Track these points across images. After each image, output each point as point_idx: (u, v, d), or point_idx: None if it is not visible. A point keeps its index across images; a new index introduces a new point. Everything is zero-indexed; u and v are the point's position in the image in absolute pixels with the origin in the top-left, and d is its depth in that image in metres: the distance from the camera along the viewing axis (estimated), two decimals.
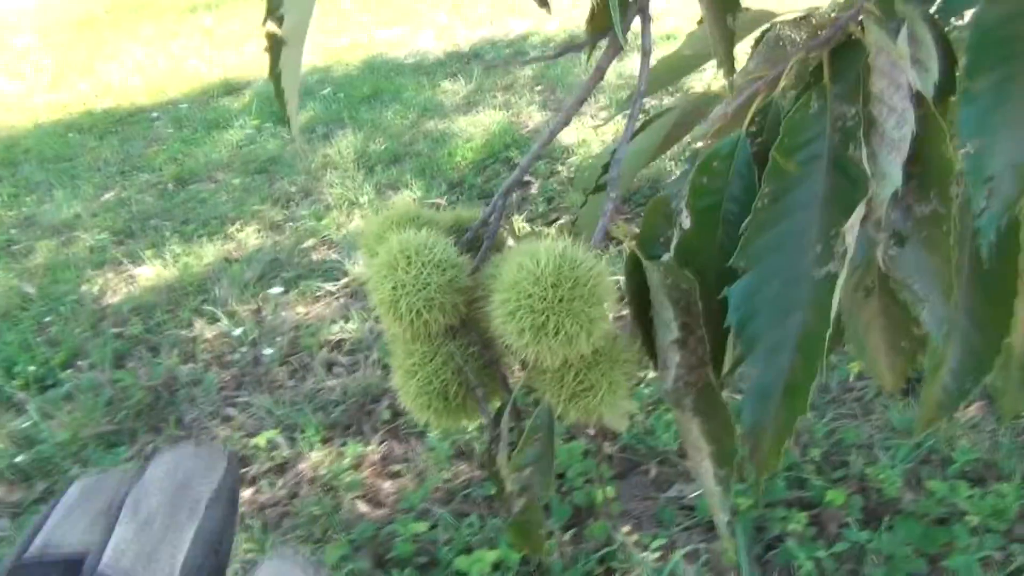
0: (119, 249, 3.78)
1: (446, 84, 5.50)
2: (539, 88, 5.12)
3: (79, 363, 2.99)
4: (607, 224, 0.51)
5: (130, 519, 0.33)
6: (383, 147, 4.52)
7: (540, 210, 3.66)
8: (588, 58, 0.56)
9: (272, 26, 0.39)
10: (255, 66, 6.54)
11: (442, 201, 3.79)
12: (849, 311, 0.56)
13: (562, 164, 4.06)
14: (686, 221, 0.52)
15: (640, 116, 0.54)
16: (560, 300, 0.47)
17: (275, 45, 0.40)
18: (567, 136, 4.38)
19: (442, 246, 0.53)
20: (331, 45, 7.02)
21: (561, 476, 2.25)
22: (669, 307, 0.49)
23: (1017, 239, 0.60)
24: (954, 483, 2.08)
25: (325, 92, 5.58)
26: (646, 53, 0.52)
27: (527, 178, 4.01)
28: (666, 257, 0.53)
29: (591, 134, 4.09)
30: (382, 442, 2.50)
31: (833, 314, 0.47)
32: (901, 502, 2.06)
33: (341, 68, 6.27)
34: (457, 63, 5.92)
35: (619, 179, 0.52)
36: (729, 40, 0.52)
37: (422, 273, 0.51)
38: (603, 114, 4.47)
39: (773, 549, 1.98)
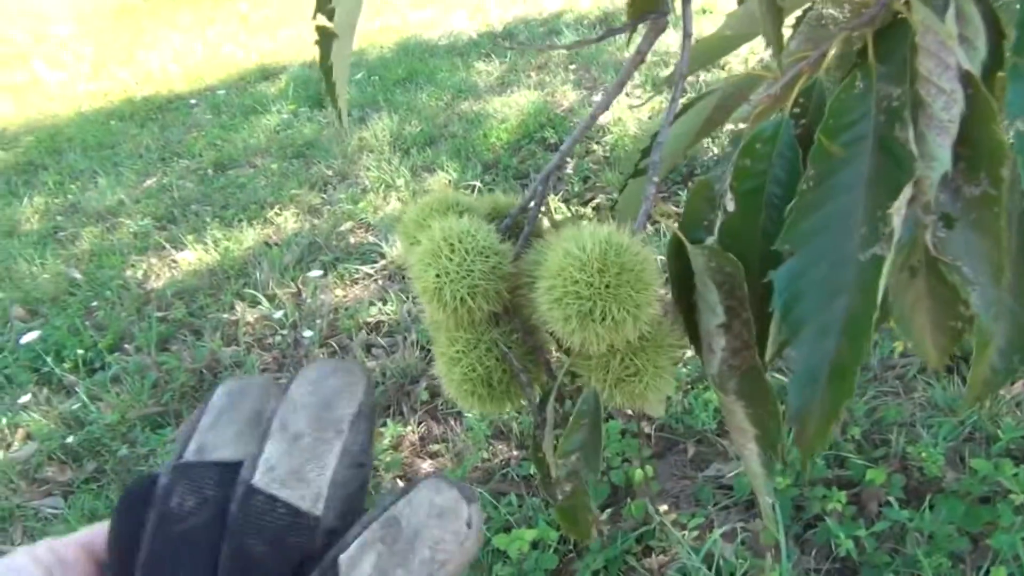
0: (162, 234, 3.84)
1: (480, 65, 5.49)
2: (573, 67, 5.09)
3: (125, 346, 3.06)
4: (649, 209, 0.51)
5: (279, 437, 0.35)
6: (418, 129, 4.54)
7: (576, 190, 3.65)
8: (629, 41, 0.56)
9: (323, 19, 0.40)
10: (290, 51, 6.58)
11: (477, 183, 3.79)
12: (895, 291, 0.56)
13: (597, 143, 4.04)
14: (730, 204, 0.52)
15: (681, 99, 0.54)
16: (606, 286, 0.47)
17: (325, 38, 0.41)
18: (603, 115, 4.35)
19: (484, 233, 0.53)
20: (365, 28, 7.03)
21: None
22: (714, 290, 0.49)
23: None
24: (998, 461, 2.05)
25: (359, 76, 5.60)
26: (687, 35, 0.52)
27: None
28: (709, 240, 0.53)
29: (627, 113, 4.06)
30: (420, 423, 2.52)
31: (879, 297, 0.47)
32: (943, 481, 2.04)
33: (375, 51, 6.28)
34: (491, 43, 5.91)
35: (660, 163, 0.52)
36: (778, 17, 0.52)
37: (466, 260, 0.52)
38: (638, 92, 4.43)
39: (812, 528, 1.98)
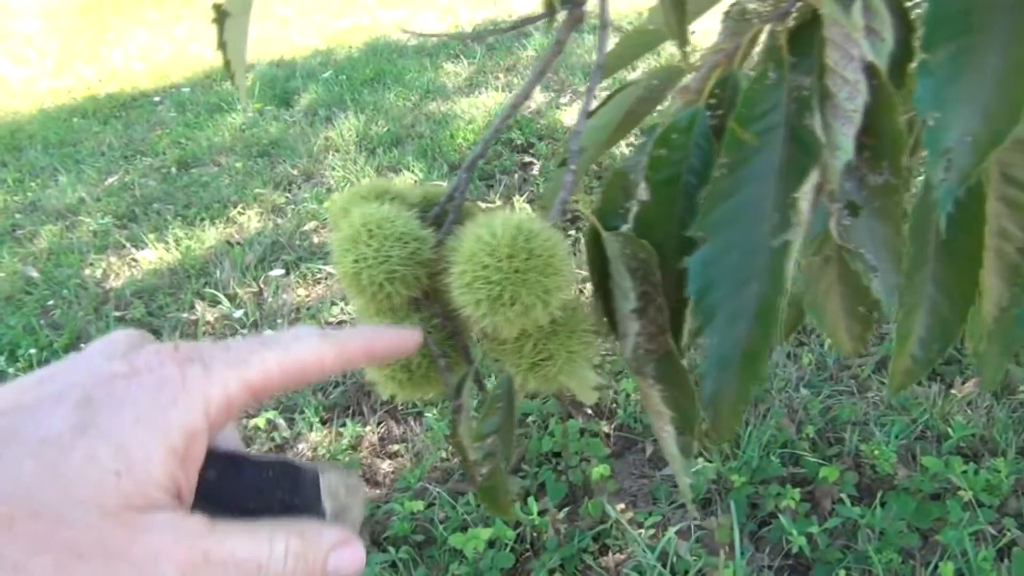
0: (122, 233, 3.80)
1: (448, 66, 5.49)
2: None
3: (82, 346, 3.01)
4: (567, 197, 0.52)
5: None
6: (385, 129, 4.53)
7: (541, 191, 3.67)
8: (548, 31, 0.57)
9: None
10: (257, 49, 6.53)
11: (443, 183, 3.79)
12: (808, 279, 0.57)
13: (563, 144, 4.06)
14: (644, 193, 0.53)
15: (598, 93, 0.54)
16: (515, 271, 0.48)
17: (220, 17, 0.41)
18: (568, 116, 4.37)
19: (404, 219, 0.53)
20: (333, 27, 7.02)
21: (558, 455, 2.27)
22: (627, 276, 0.50)
23: (982, 211, 0.61)
24: (948, 459, 2.09)
25: (327, 75, 5.57)
26: (604, 26, 0.53)
27: (528, 159, 4.01)
28: (625, 228, 0.54)
29: None
30: (380, 423, 2.52)
31: (787, 283, 0.48)
32: (895, 478, 2.07)
33: (343, 50, 6.26)
34: (459, 44, 5.91)
35: (578, 153, 0.53)
36: (681, 12, 0.53)
37: (383, 246, 0.52)
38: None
39: (767, 525, 2.00)
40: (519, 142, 4.14)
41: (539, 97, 4.73)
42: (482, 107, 4.61)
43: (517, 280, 0.48)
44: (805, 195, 0.47)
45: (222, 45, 0.42)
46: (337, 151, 4.37)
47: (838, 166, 0.47)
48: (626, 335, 0.52)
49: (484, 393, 0.60)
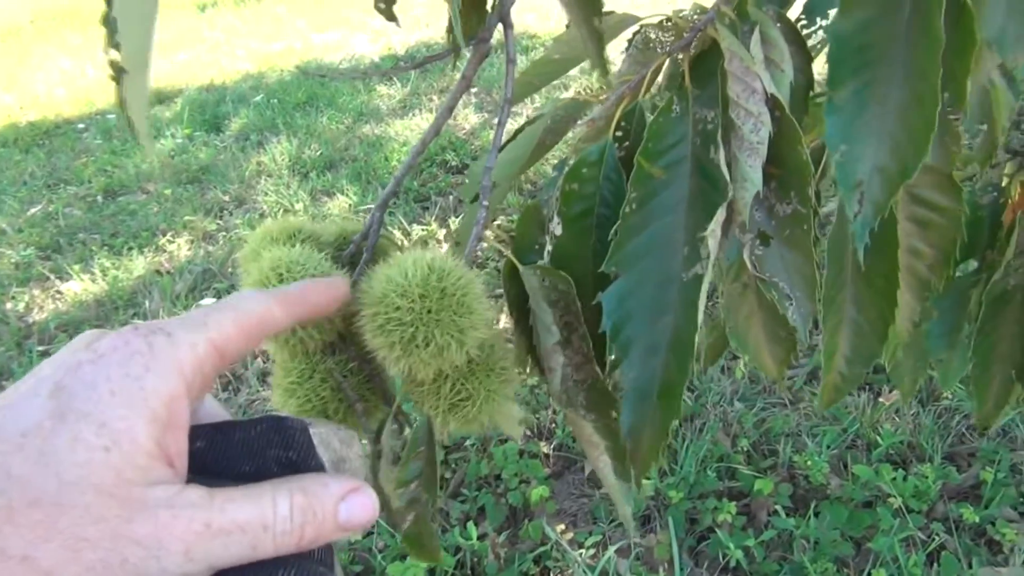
0: (45, 265, 3.68)
1: (382, 88, 5.48)
2: (475, 90, 5.12)
3: (3, 383, 2.90)
4: (480, 233, 0.52)
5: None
6: (318, 153, 4.48)
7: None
8: (453, 67, 0.57)
9: (114, 54, 0.39)
10: (187, 74, 6.43)
11: (368, 212, 3.76)
12: (729, 306, 0.57)
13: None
14: (557, 228, 0.53)
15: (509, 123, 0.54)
16: (428, 312, 0.47)
17: (117, 74, 0.40)
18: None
19: (315, 262, 0.52)
20: (265, 51, 6.94)
21: (497, 478, 2.26)
22: (548, 310, 0.50)
23: (895, 235, 0.63)
24: (878, 466, 2.14)
25: (258, 99, 5.50)
26: (511, 61, 0.53)
27: (463, 181, 4.01)
28: (541, 263, 0.54)
29: None
30: None
31: (700, 316, 0.48)
32: (828, 488, 2.11)
33: (275, 74, 6.19)
34: (392, 66, 5.89)
35: (490, 188, 0.53)
36: (599, 40, 0.53)
37: None
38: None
39: (705, 540, 2.02)
40: (454, 163, 4.15)
41: (472, 118, 4.75)
42: (416, 129, 4.60)
43: (430, 321, 0.47)
44: (713, 233, 0.47)
45: (121, 102, 0.41)
46: (270, 176, 4.31)
47: (747, 198, 0.47)
48: (552, 369, 0.52)
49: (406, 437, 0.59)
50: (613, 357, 0.51)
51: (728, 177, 0.47)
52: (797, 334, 0.60)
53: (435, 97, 5.20)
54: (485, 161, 0.52)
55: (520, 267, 0.52)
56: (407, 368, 0.49)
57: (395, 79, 5.56)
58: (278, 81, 5.97)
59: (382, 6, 0.55)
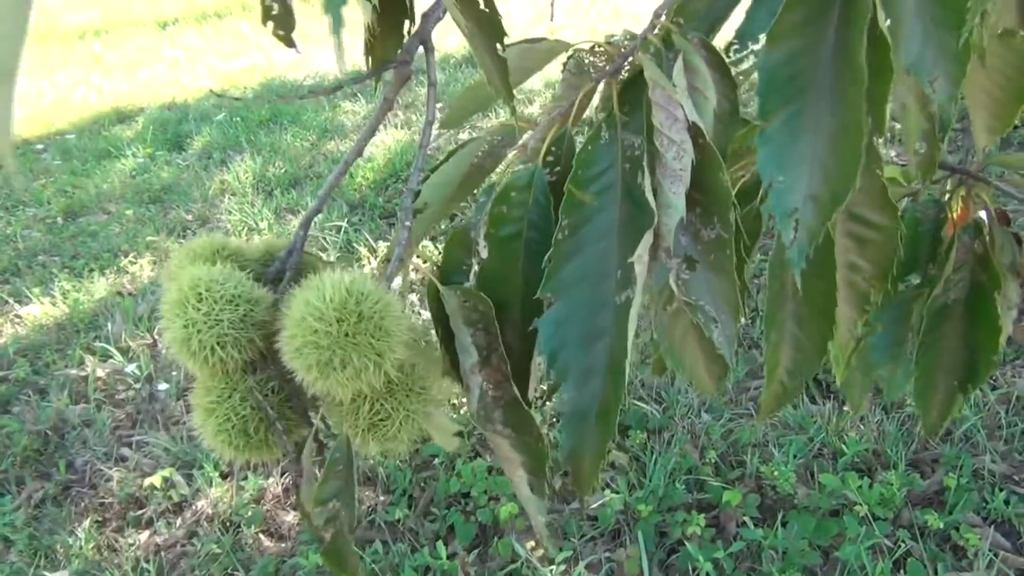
0: (3, 288, 3.61)
1: (346, 105, 5.46)
2: (439, 106, 5.11)
3: None
4: (401, 254, 0.51)
5: None
6: (282, 171, 4.46)
7: (442, 227, 3.66)
8: (374, 90, 0.57)
9: None
10: (148, 93, 6.37)
11: (343, 223, 3.74)
12: (662, 327, 0.57)
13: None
14: (483, 251, 0.53)
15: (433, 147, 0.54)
16: (345, 335, 0.47)
17: None
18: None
19: (235, 281, 0.52)
20: (227, 68, 6.90)
21: (466, 496, 2.25)
22: (466, 331, 0.50)
23: (832, 256, 0.63)
24: (844, 475, 2.15)
25: (221, 116, 5.46)
26: (432, 84, 0.53)
27: None
28: (469, 285, 0.54)
29: None
30: (284, 473, 2.44)
31: (630, 339, 0.48)
32: (795, 497, 2.12)
33: (238, 91, 6.15)
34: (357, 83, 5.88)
35: (410, 208, 0.52)
36: (503, 69, 0.53)
37: (213, 310, 0.51)
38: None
39: (675, 553, 2.01)
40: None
41: (438, 139, 4.74)
42: (381, 145, 4.59)
43: (347, 344, 0.47)
44: (640, 259, 0.47)
45: None
46: (233, 194, 4.28)
47: (671, 224, 0.47)
48: (471, 387, 0.52)
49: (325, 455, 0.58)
50: (552, 382, 0.51)
51: (653, 203, 0.47)
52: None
53: (400, 113, 5.20)
54: (407, 183, 0.52)
55: (440, 288, 0.52)
56: (325, 389, 0.48)
57: (359, 96, 5.55)
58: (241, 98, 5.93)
59: (281, 33, 0.55)
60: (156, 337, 3.13)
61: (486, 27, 0.50)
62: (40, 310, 3.40)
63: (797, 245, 0.51)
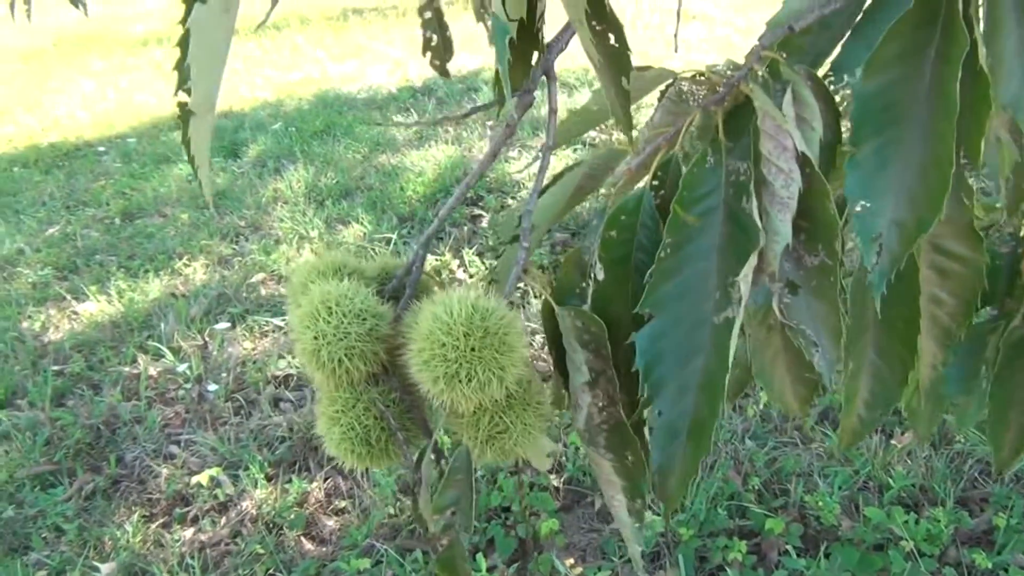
0: (62, 285, 3.71)
1: (398, 119, 5.53)
2: (490, 123, 5.18)
3: (17, 402, 2.92)
4: (519, 274, 0.54)
5: None
6: (334, 181, 4.53)
7: (490, 243, 3.69)
8: (497, 115, 0.59)
9: (183, 96, 0.42)
10: None
11: (393, 235, 3.80)
12: (754, 348, 0.59)
13: (512, 198, 4.11)
14: (600, 273, 0.55)
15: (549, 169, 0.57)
16: (472, 349, 0.49)
17: (185, 115, 0.43)
18: (516, 169, 4.44)
19: (362, 296, 0.55)
20: (283, 80, 7.03)
21: (507, 510, 2.26)
22: (579, 350, 0.52)
23: (916, 283, 0.65)
24: (890, 509, 2.13)
25: (276, 126, 5.57)
26: (552, 111, 0.55)
27: (477, 212, 4.04)
28: (585, 308, 0.56)
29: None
30: (327, 478, 2.48)
31: (731, 358, 0.50)
32: (839, 529, 2.10)
33: (293, 102, 6.27)
34: (409, 98, 5.97)
35: (530, 230, 0.55)
36: (626, 100, 0.55)
37: (343, 323, 0.53)
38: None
39: None
40: (469, 195, 4.18)
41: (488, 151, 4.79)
42: (432, 160, 4.64)
43: (473, 358, 0.49)
44: (745, 279, 0.49)
45: (187, 143, 0.43)
46: (285, 203, 4.36)
47: (777, 250, 0.49)
48: (579, 406, 0.54)
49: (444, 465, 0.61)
50: (645, 395, 0.53)
51: (760, 225, 0.49)
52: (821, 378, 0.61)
53: (451, 128, 5.26)
54: (525, 204, 0.54)
55: (556, 307, 0.54)
56: (449, 401, 0.51)
57: (412, 111, 5.62)
58: (296, 109, 6.04)
59: (437, 63, 0.58)
60: (207, 339, 3.20)
61: (615, 61, 0.53)
62: (96, 307, 3.49)
63: (879, 270, 0.52)
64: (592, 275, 0.55)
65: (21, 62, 8.74)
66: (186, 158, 0.47)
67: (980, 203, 0.87)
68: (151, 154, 5.37)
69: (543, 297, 0.56)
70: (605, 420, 0.54)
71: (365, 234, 3.91)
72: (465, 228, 3.86)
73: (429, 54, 0.62)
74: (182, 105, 0.42)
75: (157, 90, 7.04)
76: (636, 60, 0.61)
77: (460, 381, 0.49)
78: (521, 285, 0.59)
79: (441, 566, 0.62)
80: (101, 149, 5.66)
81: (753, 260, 0.49)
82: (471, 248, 3.66)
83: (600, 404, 0.54)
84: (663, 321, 0.53)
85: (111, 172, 5.16)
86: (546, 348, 0.58)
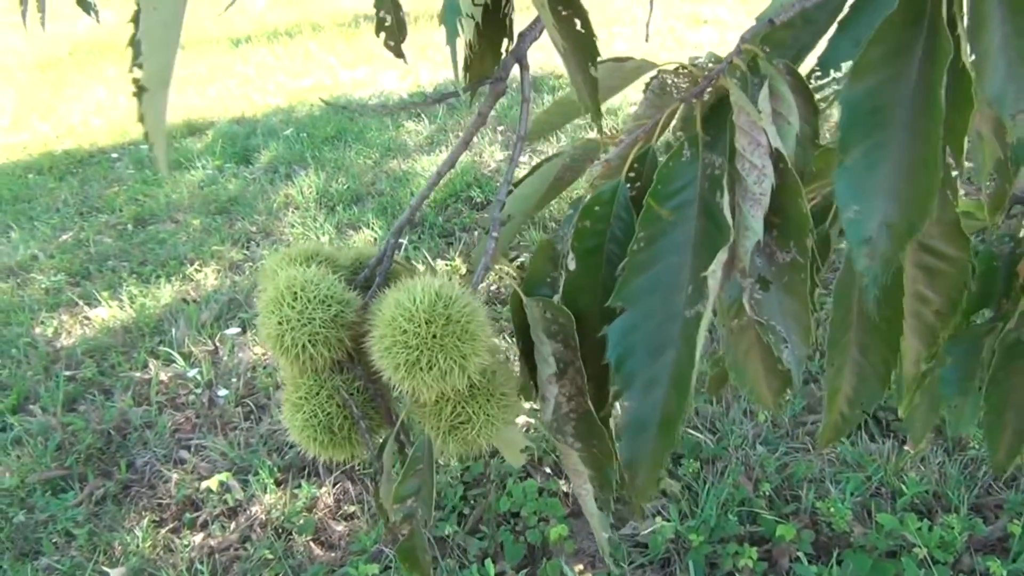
0: (75, 290, 3.74)
1: (409, 124, 5.55)
2: (501, 128, 5.18)
3: (30, 407, 2.94)
4: (488, 263, 0.53)
5: None
6: (345, 186, 4.54)
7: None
8: (470, 105, 0.59)
9: (137, 72, 0.42)
10: (218, 107, 6.56)
11: (403, 240, 3.80)
12: (728, 341, 0.58)
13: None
14: (571, 263, 0.54)
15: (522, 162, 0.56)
16: (433, 336, 0.49)
17: (139, 91, 0.43)
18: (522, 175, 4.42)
19: (328, 282, 0.54)
20: (295, 86, 7.06)
21: (516, 515, 2.25)
22: (546, 341, 0.51)
23: (900, 283, 0.63)
24: (903, 515, 2.10)
25: (288, 132, 5.59)
26: (525, 100, 0.54)
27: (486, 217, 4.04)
28: (556, 298, 0.55)
29: None
30: (336, 484, 2.48)
31: (698, 352, 0.49)
32: (851, 535, 2.08)
33: (304, 108, 6.29)
34: (410, 103, 5.97)
35: (499, 220, 0.54)
36: (593, 87, 0.55)
37: (307, 308, 0.53)
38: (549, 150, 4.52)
39: None
40: (478, 200, 4.18)
41: (498, 155, 4.79)
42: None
43: (434, 346, 0.49)
44: (714, 274, 0.48)
45: (141, 118, 0.43)
46: (297, 208, 4.37)
47: (748, 245, 0.48)
48: (546, 398, 0.53)
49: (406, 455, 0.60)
50: (615, 388, 0.52)
51: (731, 222, 0.48)
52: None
53: (461, 134, 5.26)
54: (496, 194, 0.54)
55: (524, 298, 0.53)
56: (411, 389, 0.50)
57: (423, 116, 5.63)
58: (307, 115, 6.07)
59: (391, 43, 0.57)
60: (218, 344, 3.21)
61: (580, 47, 0.52)
62: (108, 313, 3.51)
63: (872, 272, 0.51)
64: (564, 265, 0.55)
65: (38, 70, 8.83)
66: (144, 136, 0.47)
67: (975, 203, 0.85)
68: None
69: (513, 288, 0.55)
70: (573, 409, 0.54)
71: (375, 239, 3.91)
72: (475, 233, 3.86)
73: (383, 35, 0.61)
74: (136, 81, 0.42)
75: (169, 97, 7.08)
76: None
77: (421, 369, 0.49)
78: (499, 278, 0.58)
79: (402, 556, 0.61)
80: (114, 156, 5.71)
81: (723, 256, 0.48)
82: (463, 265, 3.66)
83: (568, 394, 0.54)
84: (635, 315, 0.52)
85: (124, 179, 5.19)
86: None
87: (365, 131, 5.46)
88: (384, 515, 0.57)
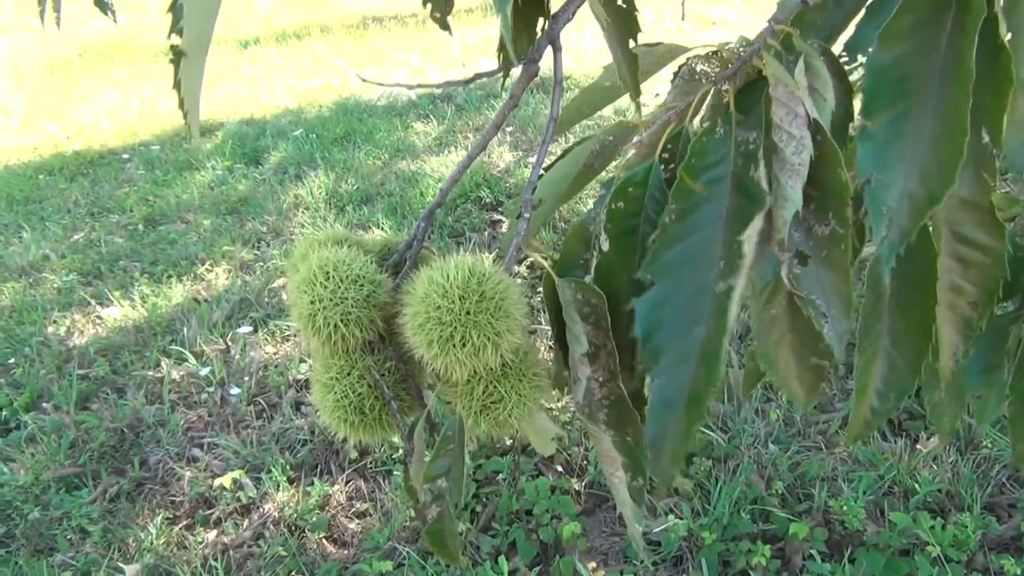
0: (87, 290, 3.75)
1: (418, 125, 5.56)
2: (510, 129, 5.18)
3: (43, 405, 2.95)
4: (520, 243, 0.53)
5: None
6: (354, 187, 4.55)
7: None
8: (503, 86, 0.59)
9: (175, 39, 0.42)
10: (228, 108, 6.57)
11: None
12: (759, 329, 0.58)
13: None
14: (605, 244, 0.54)
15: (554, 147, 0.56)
16: (467, 313, 0.48)
17: (176, 57, 0.43)
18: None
19: (360, 262, 0.54)
20: (304, 87, 7.08)
21: (528, 513, 2.25)
22: (579, 321, 0.51)
23: (933, 269, 0.63)
24: (916, 514, 2.09)
25: (297, 133, 5.61)
26: (558, 82, 0.55)
27: (498, 217, 4.04)
28: (588, 279, 0.55)
29: None
30: (349, 481, 2.48)
31: (730, 327, 0.49)
32: (864, 534, 2.07)
33: (314, 109, 6.31)
34: (429, 104, 5.99)
35: (531, 202, 0.54)
36: (633, 62, 0.55)
37: (339, 288, 0.53)
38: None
39: None
40: (488, 200, 4.18)
41: (507, 156, 4.79)
42: (451, 165, 4.65)
43: (468, 322, 0.48)
44: (749, 240, 0.48)
45: (177, 84, 0.43)
46: (306, 208, 4.38)
47: (786, 216, 0.48)
48: (578, 379, 0.53)
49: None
50: (643, 364, 0.52)
51: (767, 188, 0.48)
52: (828, 360, 0.60)
53: (470, 135, 5.27)
54: (528, 177, 0.54)
55: (556, 279, 0.53)
56: (443, 367, 0.50)
57: (432, 117, 5.64)
58: (317, 116, 6.08)
59: (437, 15, 0.58)
60: (230, 343, 3.21)
61: (623, 21, 0.52)
62: (120, 312, 3.52)
63: (888, 243, 0.51)
64: (597, 246, 0.54)
65: (48, 72, 8.87)
66: (179, 104, 0.47)
67: (1000, 197, 0.85)
68: (174, 161, 5.43)
69: (546, 270, 0.55)
70: (606, 396, 0.54)
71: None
72: (485, 233, 3.86)
73: (429, 6, 0.61)
74: (173, 47, 0.43)
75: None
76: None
77: (454, 345, 0.49)
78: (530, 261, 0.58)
79: (431, 539, 0.61)
80: (125, 157, 5.72)
81: (758, 222, 0.48)
82: (491, 253, 3.66)
83: (600, 379, 0.53)
84: (664, 288, 0.52)
85: (135, 179, 5.21)
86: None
87: (374, 132, 5.47)
88: (413, 496, 0.57)
